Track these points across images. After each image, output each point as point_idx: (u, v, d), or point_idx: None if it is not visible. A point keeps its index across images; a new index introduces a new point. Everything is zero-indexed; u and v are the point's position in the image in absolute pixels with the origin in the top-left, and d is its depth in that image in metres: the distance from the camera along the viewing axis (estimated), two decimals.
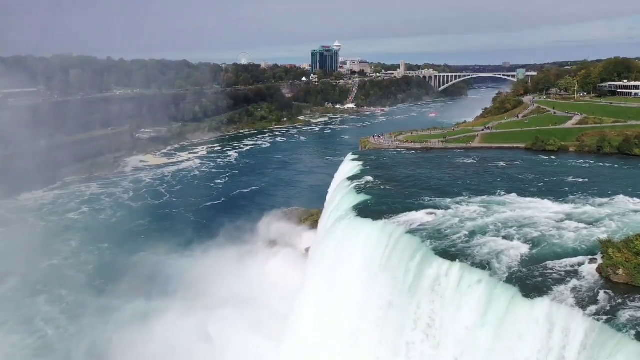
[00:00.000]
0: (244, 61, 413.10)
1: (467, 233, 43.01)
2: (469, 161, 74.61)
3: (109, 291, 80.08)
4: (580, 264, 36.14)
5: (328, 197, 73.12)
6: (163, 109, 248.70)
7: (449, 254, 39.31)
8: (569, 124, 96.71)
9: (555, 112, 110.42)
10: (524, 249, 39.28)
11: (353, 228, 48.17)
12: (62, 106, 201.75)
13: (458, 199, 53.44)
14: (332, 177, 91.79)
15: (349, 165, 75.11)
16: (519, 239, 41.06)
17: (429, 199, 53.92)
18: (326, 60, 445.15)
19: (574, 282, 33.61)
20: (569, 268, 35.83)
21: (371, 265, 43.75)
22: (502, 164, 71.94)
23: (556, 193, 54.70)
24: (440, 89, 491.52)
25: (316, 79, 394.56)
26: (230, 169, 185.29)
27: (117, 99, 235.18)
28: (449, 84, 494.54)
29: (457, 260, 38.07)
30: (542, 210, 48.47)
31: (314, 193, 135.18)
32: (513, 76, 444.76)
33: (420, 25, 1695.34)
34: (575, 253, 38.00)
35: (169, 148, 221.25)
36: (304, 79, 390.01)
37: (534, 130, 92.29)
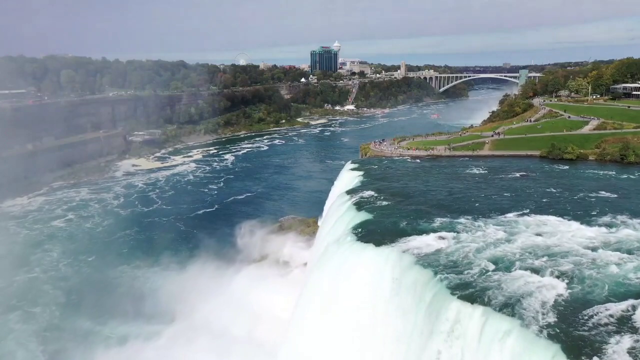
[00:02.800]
0: (242, 62, 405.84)
1: (486, 264, 36.21)
2: (480, 172, 67.77)
3: (83, 311, 73.87)
4: (631, 310, 29.32)
5: (325, 211, 66.18)
6: (158, 110, 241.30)
7: (467, 292, 32.49)
8: (586, 129, 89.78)
9: (569, 116, 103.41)
10: (559, 287, 32.45)
11: (352, 256, 41.31)
12: (52, 108, 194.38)
13: (471, 218, 46.61)
14: (331, 182, 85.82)
15: (348, 176, 68.33)
16: (551, 274, 34.25)
17: (438, 218, 47.09)
18: (325, 61, 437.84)
19: (628, 338, 26.77)
20: (618, 315, 29.00)
21: (374, 304, 36.92)
22: (517, 175, 65.14)
23: (584, 212, 47.95)
24: (441, 90, 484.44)
25: (315, 80, 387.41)
26: (226, 173, 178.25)
27: (110, 100, 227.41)
28: (450, 85, 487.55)
29: (479, 302, 31.23)
30: (572, 235, 41.74)
31: (311, 200, 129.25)
32: (515, 77, 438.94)
33: (420, 26, 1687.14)
34: (622, 294, 31.18)
35: (162, 151, 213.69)
36: (303, 80, 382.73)
37: (548, 136, 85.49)
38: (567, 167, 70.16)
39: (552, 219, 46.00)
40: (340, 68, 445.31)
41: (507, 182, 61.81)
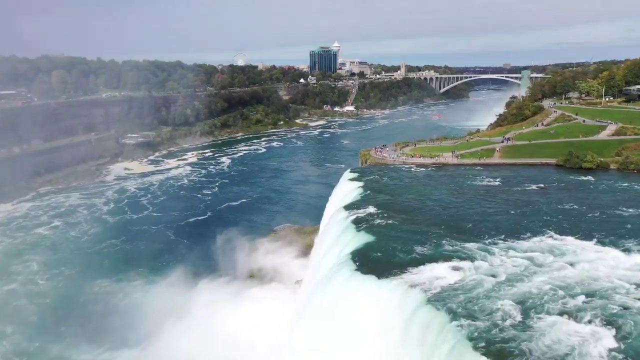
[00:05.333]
0: (240, 62, 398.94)
1: (512, 306, 29.92)
2: (493, 183, 61.49)
3: (55, 332, 68.43)
4: None
5: (322, 227, 59.84)
6: (153, 112, 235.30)
7: (493, 346, 26.26)
8: (604, 135, 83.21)
9: (584, 120, 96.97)
10: (606, 340, 26.19)
11: (351, 291, 35.04)
12: (42, 110, 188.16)
13: (489, 242, 40.43)
14: (330, 186, 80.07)
15: (347, 187, 62.01)
16: (593, 320, 28.00)
17: (449, 241, 40.88)
18: (325, 61, 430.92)
19: None
20: None
21: (376, 352, 30.58)
22: (533, 187, 58.77)
23: (617, 234, 41.73)
24: (442, 90, 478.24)
25: (314, 81, 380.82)
26: (221, 177, 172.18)
27: (103, 102, 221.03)
28: (451, 85, 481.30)
29: None
30: (610, 264, 35.57)
31: (309, 206, 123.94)
32: (516, 78, 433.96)
33: (420, 27, 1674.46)
34: None
35: (157, 154, 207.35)
36: (301, 80, 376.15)
37: (563, 142, 79.11)
38: (587, 177, 63.79)
39: (582, 243, 39.88)
40: (340, 68, 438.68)
41: (524, 195, 55.51)
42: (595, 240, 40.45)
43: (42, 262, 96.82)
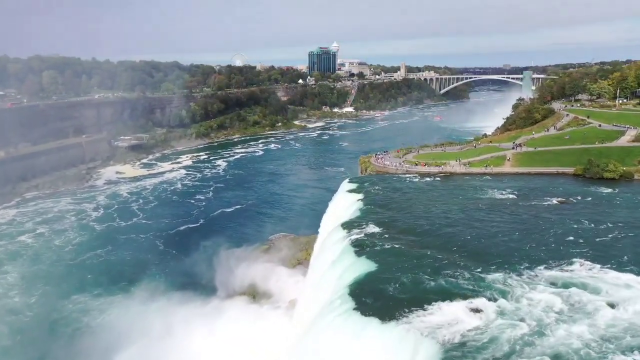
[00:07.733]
0: (238, 62, 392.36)
1: None
2: (507, 196, 55.49)
3: (24, 355, 63.75)
4: None
5: (319, 244, 53.85)
6: (147, 113, 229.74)
7: None
8: (623, 141, 77.16)
9: (599, 125, 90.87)
10: None
11: (349, 336, 29.04)
12: (31, 111, 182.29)
13: (510, 273, 34.47)
14: (329, 191, 74.33)
15: (346, 200, 56.06)
16: None
17: (464, 272, 34.91)
18: (324, 61, 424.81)
19: None
20: None
21: None
22: (554, 201, 52.77)
23: None
24: (442, 91, 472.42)
25: (313, 82, 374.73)
26: (216, 181, 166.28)
27: (95, 103, 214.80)
28: (451, 86, 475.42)
29: None
30: None
31: (307, 213, 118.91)
32: (518, 79, 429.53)
33: (420, 27, 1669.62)
34: None
35: (150, 157, 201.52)
36: (300, 81, 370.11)
37: (579, 148, 73.13)
38: (611, 189, 57.73)
39: (618, 275, 33.96)
40: (339, 69, 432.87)
41: (545, 212, 49.43)
42: (633, 270, 34.55)
43: (20, 274, 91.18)
